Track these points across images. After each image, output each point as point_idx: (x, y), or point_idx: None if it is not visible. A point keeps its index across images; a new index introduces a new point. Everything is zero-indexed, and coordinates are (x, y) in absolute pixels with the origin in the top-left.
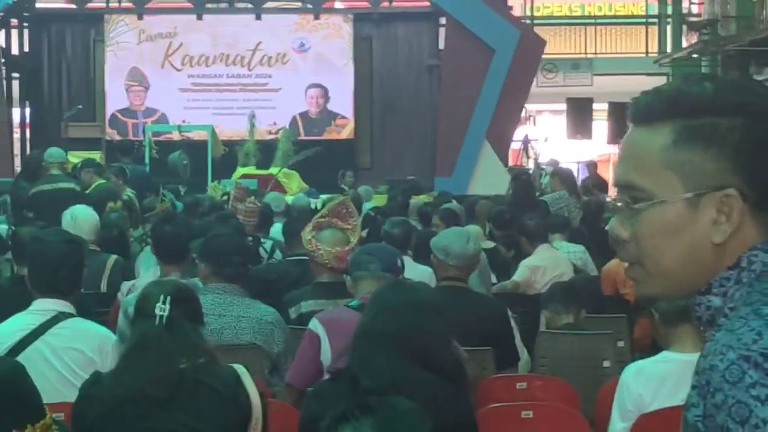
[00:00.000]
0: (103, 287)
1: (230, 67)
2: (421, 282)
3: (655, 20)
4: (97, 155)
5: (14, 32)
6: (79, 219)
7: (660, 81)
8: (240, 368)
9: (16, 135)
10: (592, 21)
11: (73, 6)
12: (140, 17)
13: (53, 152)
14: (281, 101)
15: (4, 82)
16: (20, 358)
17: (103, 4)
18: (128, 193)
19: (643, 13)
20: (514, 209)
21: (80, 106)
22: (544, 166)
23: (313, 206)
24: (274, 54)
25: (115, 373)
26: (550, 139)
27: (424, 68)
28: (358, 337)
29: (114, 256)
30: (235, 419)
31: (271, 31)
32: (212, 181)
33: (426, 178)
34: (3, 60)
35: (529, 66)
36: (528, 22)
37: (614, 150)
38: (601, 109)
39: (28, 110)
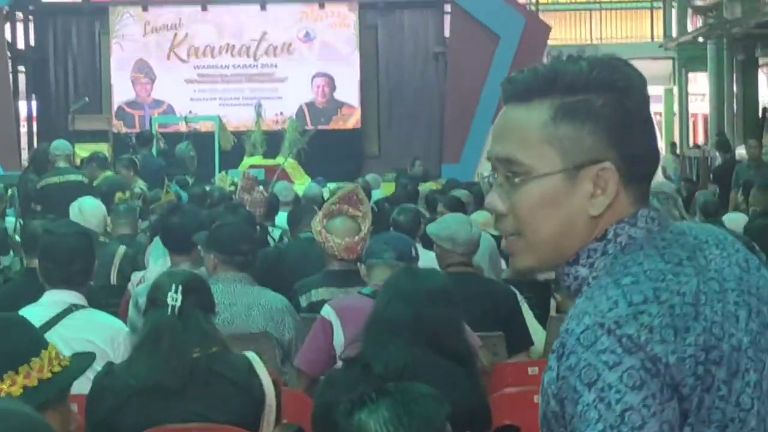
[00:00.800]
0: (113, 278)
1: (236, 58)
2: (432, 268)
3: (660, 4)
4: (104, 147)
5: (20, 26)
6: (87, 210)
7: (667, 65)
8: (253, 356)
9: (23, 128)
10: (597, 6)
11: None
12: (145, 9)
13: (59, 144)
14: (287, 91)
15: (11, 76)
16: None
17: None
18: (140, 185)
19: None
20: None
21: (86, 99)
22: None
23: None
24: (279, 44)
25: (128, 364)
26: None
27: (430, 56)
28: (371, 323)
29: (123, 247)
30: (249, 408)
31: (277, 20)
32: (220, 171)
33: (434, 165)
34: (9, 54)
35: (535, 52)
36: (533, 8)
37: None
38: None
39: (34, 103)
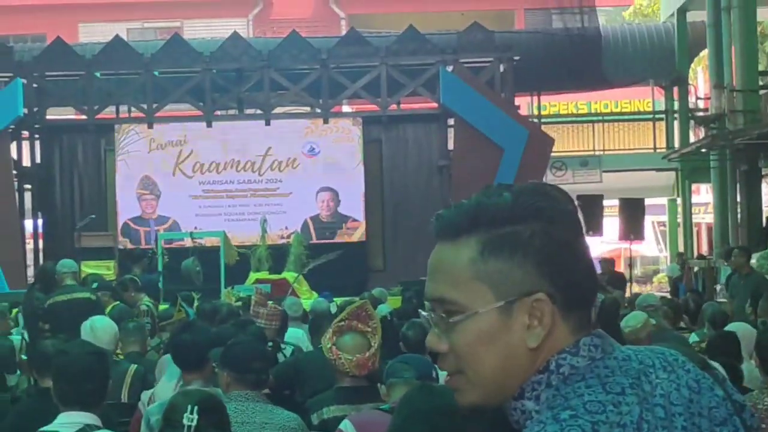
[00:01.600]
0: (124, 397)
1: (241, 173)
2: (446, 385)
3: (662, 116)
4: (110, 264)
5: (26, 144)
6: (98, 329)
7: (670, 176)
8: None
9: (29, 245)
10: (599, 118)
11: (83, 117)
12: (150, 126)
13: (65, 263)
14: (292, 205)
15: (17, 194)
16: None
17: (113, 114)
18: (146, 302)
19: (650, 110)
20: None
21: (93, 216)
22: None
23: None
24: (284, 159)
25: None
26: None
27: (435, 169)
28: None
29: (134, 366)
30: None
31: (281, 136)
32: (226, 287)
33: None
34: (15, 172)
35: (539, 164)
36: (535, 120)
37: (626, 246)
38: (611, 205)
39: (40, 221)
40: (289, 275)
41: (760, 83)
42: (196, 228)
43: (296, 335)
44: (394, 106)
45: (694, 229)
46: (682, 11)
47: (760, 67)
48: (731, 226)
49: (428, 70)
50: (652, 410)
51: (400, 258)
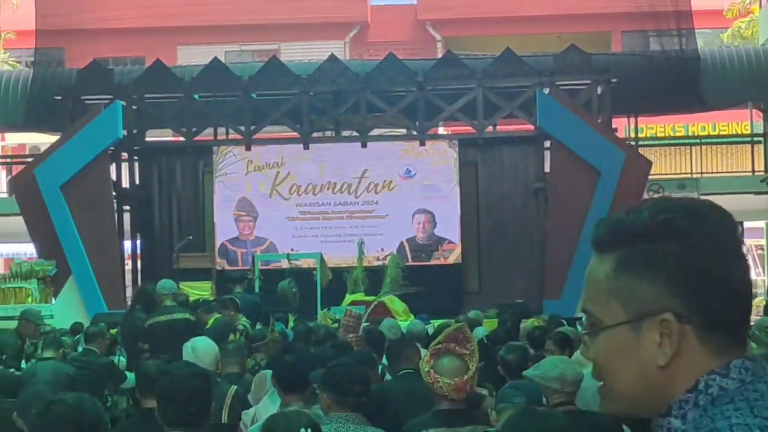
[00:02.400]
0: (224, 418)
1: (337, 195)
2: (550, 410)
3: (761, 139)
4: (207, 285)
5: (125, 166)
6: (200, 350)
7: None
8: None
9: (128, 267)
10: (697, 141)
11: (181, 138)
12: (248, 148)
13: (165, 284)
14: (388, 227)
15: (116, 215)
16: None
17: (212, 136)
18: (242, 322)
19: (748, 132)
20: None
21: (190, 237)
22: None
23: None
24: (380, 181)
25: None
26: None
27: (531, 191)
28: None
29: (234, 386)
30: None
31: (378, 158)
32: (322, 308)
33: (535, 300)
34: (114, 193)
35: (636, 187)
36: (632, 143)
37: None
38: None
39: (139, 242)
40: (385, 298)
41: None
42: (292, 250)
43: None
44: (490, 129)
45: None
46: None
47: None
48: None
49: (524, 93)
50: None
51: (496, 280)
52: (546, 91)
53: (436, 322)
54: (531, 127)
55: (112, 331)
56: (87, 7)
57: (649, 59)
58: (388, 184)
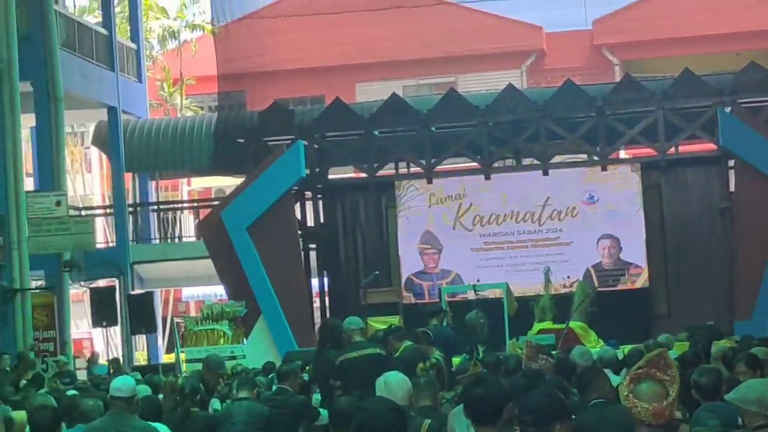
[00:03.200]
0: None
1: (521, 224)
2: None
3: None
4: (395, 320)
5: (309, 204)
6: (392, 385)
7: None
8: None
9: (316, 304)
10: None
11: (364, 174)
12: (429, 181)
13: (352, 320)
14: (573, 254)
15: (302, 254)
16: None
17: (393, 171)
18: (436, 355)
19: None
20: None
21: (377, 272)
22: None
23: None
24: (563, 208)
25: None
26: None
27: (716, 211)
28: None
29: (427, 420)
30: None
31: (559, 185)
32: (510, 338)
33: (725, 322)
34: (300, 232)
35: None
36: None
37: None
38: None
39: (326, 279)
40: (574, 324)
41: None
42: (478, 280)
43: None
44: (672, 150)
45: None
46: None
47: None
48: None
49: (706, 113)
50: None
51: (685, 303)
52: (727, 110)
53: (626, 348)
54: (714, 146)
55: (307, 369)
56: (266, 50)
57: None
58: (572, 210)
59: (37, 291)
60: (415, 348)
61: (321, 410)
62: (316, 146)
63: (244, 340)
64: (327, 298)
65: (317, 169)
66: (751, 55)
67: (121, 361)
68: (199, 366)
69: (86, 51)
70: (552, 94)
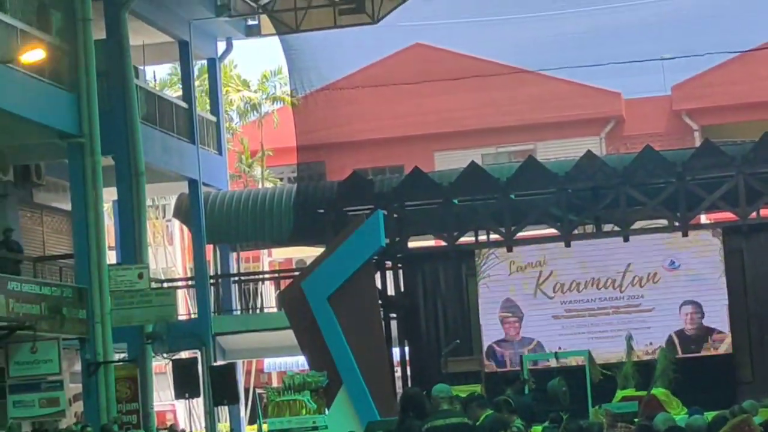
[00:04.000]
0: None
1: (602, 291)
2: None
3: None
4: (477, 388)
5: (389, 273)
6: None
7: None
8: None
9: (397, 373)
10: None
11: (443, 243)
12: (510, 249)
13: (441, 387)
14: (655, 320)
15: (383, 323)
16: None
17: (473, 239)
18: (517, 423)
19: None
20: None
21: (458, 341)
22: None
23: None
24: (644, 274)
25: None
26: None
27: None
28: None
29: None
30: None
31: (640, 251)
32: (593, 406)
33: None
34: (381, 301)
35: None
36: None
37: None
38: None
39: (407, 348)
40: (657, 391)
41: None
42: (560, 348)
43: None
44: (753, 215)
45: None
46: None
47: None
48: None
49: None
50: None
51: None
52: None
53: (710, 414)
54: None
55: None
56: (344, 120)
57: None
58: (653, 276)
59: (120, 363)
60: (497, 416)
61: None
62: (395, 215)
63: (326, 410)
64: (408, 367)
65: (397, 239)
66: None
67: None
68: None
69: (167, 124)
70: (631, 160)
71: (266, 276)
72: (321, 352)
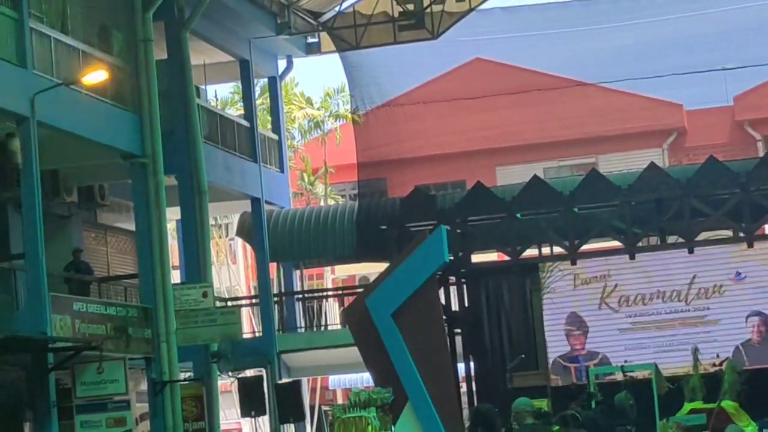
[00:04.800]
0: None
1: (667, 303)
2: None
3: None
4: (543, 403)
5: (453, 289)
6: None
7: None
8: None
9: (463, 389)
10: None
11: (507, 258)
12: (574, 262)
13: (523, 401)
14: (722, 332)
15: (447, 339)
16: None
17: (536, 253)
18: None
19: None
20: None
21: (523, 356)
22: None
23: None
24: (710, 285)
25: None
26: None
27: None
28: None
29: None
30: None
31: (705, 263)
32: (660, 419)
33: None
34: (445, 317)
35: None
36: None
37: None
38: None
39: (472, 363)
40: (725, 404)
41: None
42: (626, 361)
43: None
44: None
45: None
46: None
47: None
48: None
49: None
50: None
51: None
52: None
53: None
54: None
55: None
56: (406, 137)
57: None
58: (719, 288)
59: (186, 382)
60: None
61: None
62: (458, 231)
63: (392, 427)
64: (474, 383)
65: (460, 254)
66: None
67: None
68: None
69: (229, 143)
70: (695, 171)
71: (330, 293)
72: (386, 369)
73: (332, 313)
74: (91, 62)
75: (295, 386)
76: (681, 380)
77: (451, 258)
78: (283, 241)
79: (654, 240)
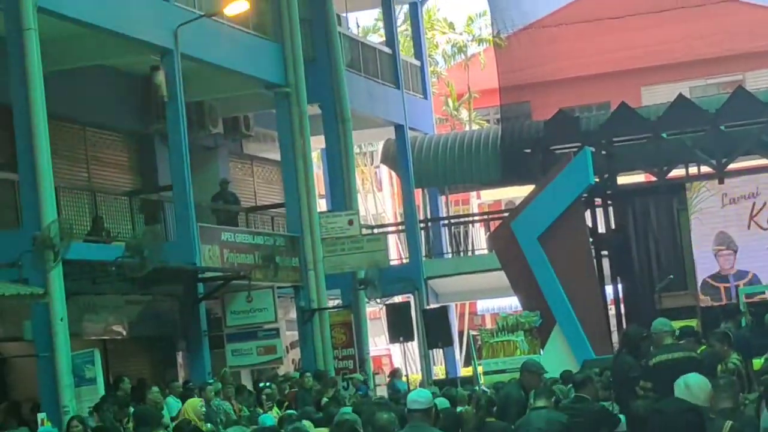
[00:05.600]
0: None
1: None
2: None
3: None
4: (693, 323)
5: (599, 211)
6: (693, 386)
7: None
8: None
9: (611, 311)
10: None
11: (653, 178)
12: (721, 181)
13: (662, 321)
14: None
15: (594, 261)
16: None
17: (683, 173)
18: (733, 359)
19: None
20: None
21: (671, 277)
22: None
23: None
24: None
25: None
26: None
27: None
28: None
29: (729, 422)
30: None
31: None
32: None
33: None
34: (591, 239)
35: None
36: None
37: None
38: None
39: (620, 286)
40: None
41: None
42: None
43: None
44: None
45: None
46: None
47: None
48: None
49: None
50: None
51: None
52: None
53: None
54: None
55: (605, 373)
56: (548, 59)
57: None
58: None
59: (335, 310)
60: (712, 351)
61: (621, 416)
62: (603, 152)
63: (541, 350)
64: (622, 305)
65: (606, 175)
66: None
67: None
68: (497, 378)
69: (371, 71)
70: None
71: (476, 218)
72: (533, 292)
73: (479, 237)
74: None
75: (443, 311)
76: None
77: (597, 180)
78: (428, 167)
79: None
